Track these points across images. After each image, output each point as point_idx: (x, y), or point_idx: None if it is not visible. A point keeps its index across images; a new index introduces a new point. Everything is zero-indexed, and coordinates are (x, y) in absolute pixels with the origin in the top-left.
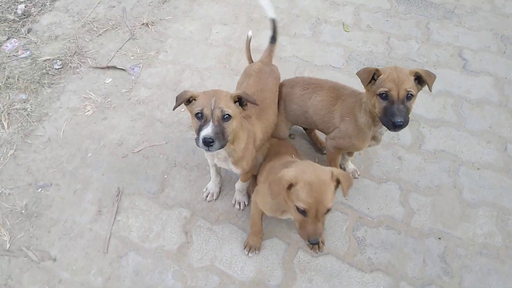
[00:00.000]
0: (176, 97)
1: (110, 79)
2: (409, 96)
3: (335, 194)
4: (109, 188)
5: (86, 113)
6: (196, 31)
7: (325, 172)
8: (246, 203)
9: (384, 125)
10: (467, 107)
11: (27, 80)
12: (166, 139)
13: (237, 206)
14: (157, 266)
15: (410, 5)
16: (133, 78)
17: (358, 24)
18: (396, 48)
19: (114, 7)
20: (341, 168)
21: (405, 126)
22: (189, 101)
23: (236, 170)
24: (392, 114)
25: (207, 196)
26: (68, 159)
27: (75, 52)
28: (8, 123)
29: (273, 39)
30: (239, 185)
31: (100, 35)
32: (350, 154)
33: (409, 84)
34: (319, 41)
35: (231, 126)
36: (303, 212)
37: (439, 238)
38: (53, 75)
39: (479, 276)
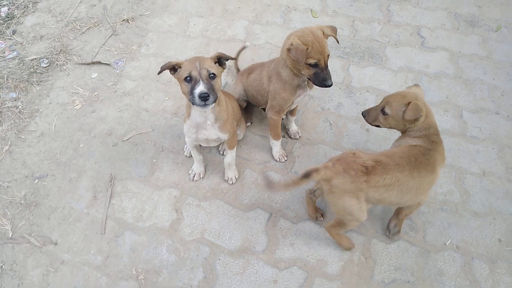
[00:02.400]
0: (161, 67)
1: (96, 74)
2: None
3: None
4: (102, 175)
5: (75, 107)
6: (174, 25)
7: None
8: (237, 177)
9: (316, 85)
10: (426, 81)
11: (16, 79)
12: (152, 127)
13: (230, 182)
14: (152, 242)
15: None
16: (117, 71)
17: (325, 10)
18: (360, 30)
19: (95, 5)
20: (285, 129)
21: None
22: (174, 70)
23: (224, 136)
24: (324, 79)
25: (194, 177)
26: (61, 151)
27: (61, 51)
28: (1, 121)
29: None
30: (228, 158)
31: (84, 33)
32: (292, 113)
33: (327, 48)
34: (290, 28)
35: (217, 84)
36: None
37: None
38: (41, 73)
39: (440, 229)
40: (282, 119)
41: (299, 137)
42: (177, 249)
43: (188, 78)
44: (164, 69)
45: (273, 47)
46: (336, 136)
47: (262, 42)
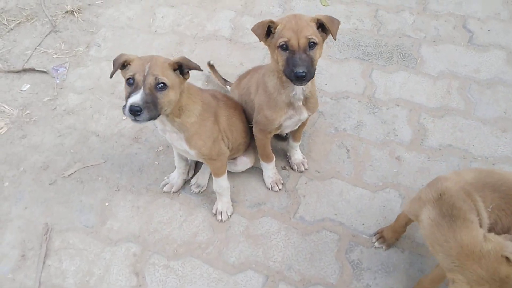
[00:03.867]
0: (113, 62)
1: (28, 85)
2: (312, 44)
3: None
4: (34, 225)
5: None
6: (135, 17)
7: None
8: (229, 214)
9: (288, 79)
10: (476, 90)
11: None
12: (104, 157)
13: (218, 218)
14: None
15: None
16: (57, 82)
17: None
18: (386, 22)
19: None
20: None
21: (310, 78)
22: (124, 66)
23: (191, 152)
24: (294, 64)
25: (164, 186)
26: None
27: None
28: None
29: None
30: (216, 185)
31: (12, 29)
32: (295, 138)
33: (310, 31)
34: None
35: (166, 97)
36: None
37: None
38: None
39: None
40: (280, 138)
41: (305, 169)
42: None
43: (131, 80)
44: (116, 68)
45: None
46: (356, 168)
47: (253, 41)
